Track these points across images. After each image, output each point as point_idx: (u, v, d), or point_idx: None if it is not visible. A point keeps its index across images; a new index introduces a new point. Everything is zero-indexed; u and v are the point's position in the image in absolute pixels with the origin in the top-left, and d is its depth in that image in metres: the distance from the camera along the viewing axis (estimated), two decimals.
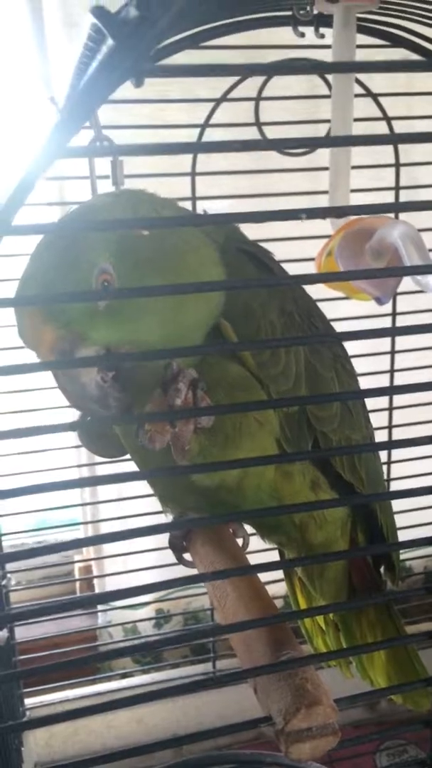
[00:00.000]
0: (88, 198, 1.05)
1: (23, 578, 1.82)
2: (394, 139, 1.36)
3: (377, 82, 1.47)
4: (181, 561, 0.94)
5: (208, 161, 1.45)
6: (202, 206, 1.42)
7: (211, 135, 1.43)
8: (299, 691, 0.62)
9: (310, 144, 1.36)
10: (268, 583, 0.80)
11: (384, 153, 1.50)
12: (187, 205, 1.41)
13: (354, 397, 0.91)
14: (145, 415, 0.73)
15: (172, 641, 1.17)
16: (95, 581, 1.85)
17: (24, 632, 1.64)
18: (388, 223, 1.18)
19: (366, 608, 1.00)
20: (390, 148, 1.50)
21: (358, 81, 1.36)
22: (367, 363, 1.27)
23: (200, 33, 1.30)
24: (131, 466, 0.95)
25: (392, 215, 1.34)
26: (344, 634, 1.05)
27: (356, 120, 1.28)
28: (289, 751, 0.60)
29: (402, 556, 1.59)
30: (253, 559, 0.92)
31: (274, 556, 1.14)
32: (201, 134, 1.41)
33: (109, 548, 1.75)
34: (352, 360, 0.99)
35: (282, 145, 0.61)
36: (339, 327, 1.15)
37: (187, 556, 0.94)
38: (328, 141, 1.22)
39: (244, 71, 0.99)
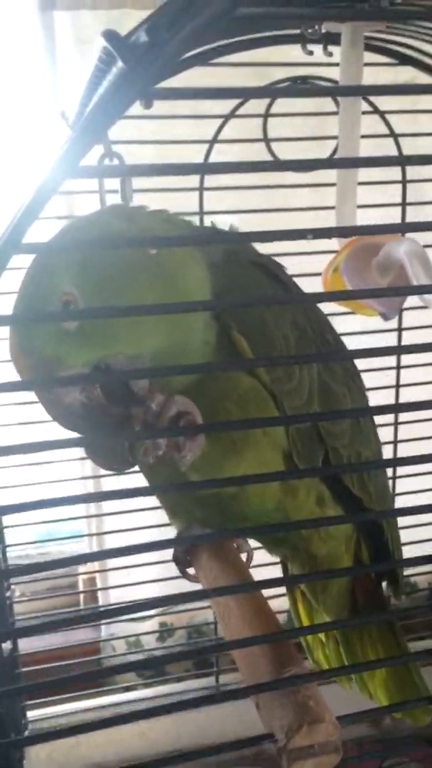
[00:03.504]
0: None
1: (27, 589, 1.82)
2: (402, 162, 1.36)
3: (384, 99, 1.47)
4: (185, 575, 0.94)
5: (215, 176, 1.45)
6: (209, 221, 1.43)
7: (219, 151, 1.44)
8: (302, 708, 0.62)
9: (316, 166, 1.36)
10: (271, 598, 0.80)
11: (390, 169, 1.50)
12: (195, 219, 1.42)
13: (362, 414, 0.91)
14: (134, 435, 0.72)
15: (175, 657, 1.17)
16: (99, 593, 1.85)
17: (27, 644, 1.64)
18: (394, 239, 1.18)
19: (368, 621, 1.00)
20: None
21: (365, 98, 1.37)
22: (373, 378, 1.27)
23: (209, 51, 1.32)
24: (136, 479, 0.95)
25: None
26: (344, 648, 1.04)
27: (363, 137, 1.29)
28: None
29: (406, 572, 1.59)
30: (257, 574, 0.92)
31: (278, 570, 1.14)
32: (209, 150, 1.42)
33: (113, 560, 1.75)
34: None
35: (288, 167, 0.62)
36: (345, 341, 1.15)
37: (191, 570, 0.94)
38: (335, 162, 1.23)
39: (251, 94, 1.00)
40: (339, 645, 1.06)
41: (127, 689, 1.82)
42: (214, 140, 1.42)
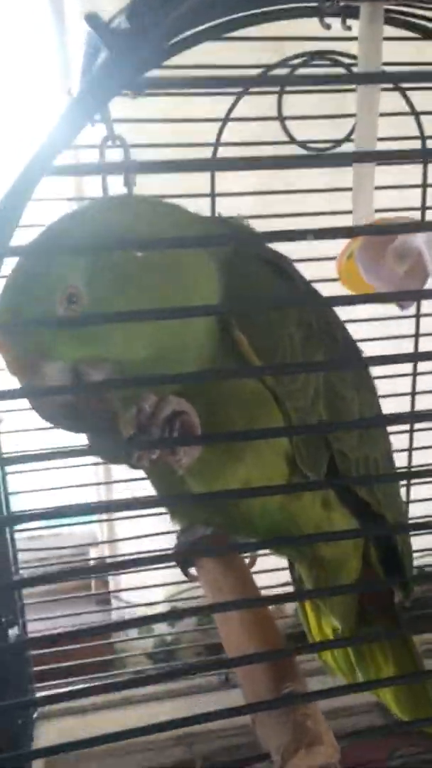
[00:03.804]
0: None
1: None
2: (425, 154, 1.30)
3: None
4: (186, 575, 0.92)
5: (228, 155, 1.40)
6: (221, 202, 1.38)
7: (233, 129, 1.39)
8: (299, 728, 0.59)
9: (333, 160, 1.32)
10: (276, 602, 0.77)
11: (411, 147, 1.44)
12: (207, 201, 1.38)
13: (375, 424, 0.86)
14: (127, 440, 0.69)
15: (181, 672, 1.15)
16: (109, 577, 1.85)
17: (37, 627, 1.64)
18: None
19: (376, 623, 0.97)
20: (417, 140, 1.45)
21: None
22: (388, 383, 1.21)
23: (222, 24, 1.26)
24: (145, 486, 0.92)
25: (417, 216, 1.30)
26: (353, 648, 1.02)
27: (382, 115, 1.24)
28: None
29: (417, 562, 1.55)
30: (262, 575, 0.90)
31: (283, 575, 1.12)
32: (221, 129, 1.37)
33: (124, 545, 1.75)
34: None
35: (303, 163, 0.58)
36: (358, 329, 1.10)
37: (192, 570, 0.92)
38: (354, 155, 1.17)
39: (245, 84, 0.94)
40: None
41: (137, 674, 1.82)
42: (226, 118, 1.37)
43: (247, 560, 0.89)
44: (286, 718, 0.60)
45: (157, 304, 0.70)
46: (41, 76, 1.56)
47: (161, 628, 1.87)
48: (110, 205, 0.79)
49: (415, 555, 1.04)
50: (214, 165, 1.03)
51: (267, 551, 0.95)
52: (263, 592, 1.10)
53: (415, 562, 1.91)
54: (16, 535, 1.61)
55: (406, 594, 0.96)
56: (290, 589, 1.14)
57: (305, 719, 0.60)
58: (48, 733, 1.67)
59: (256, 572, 0.87)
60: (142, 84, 0.43)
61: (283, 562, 1.12)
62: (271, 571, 1.07)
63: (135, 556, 1.57)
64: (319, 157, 0.49)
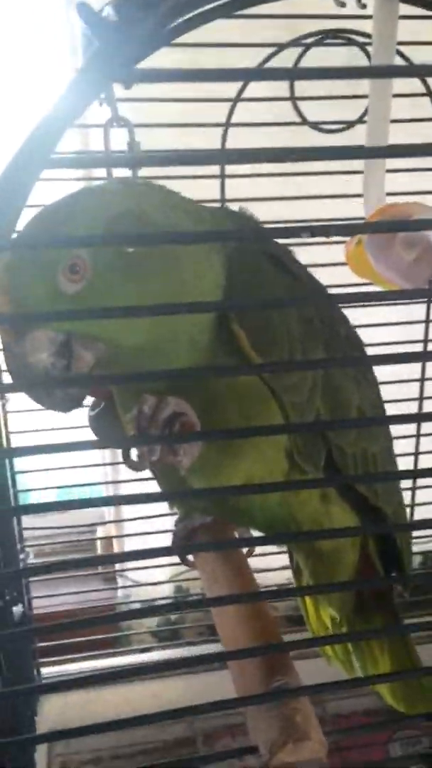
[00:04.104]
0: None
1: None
2: None
3: (420, 53, 1.37)
4: (184, 562, 0.92)
5: (238, 136, 1.38)
6: (230, 185, 1.37)
7: (244, 109, 1.37)
8: (288, 722, 0.59)
9: (345, 154, 1.29)
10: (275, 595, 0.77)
11: (425, 130, 1.41)
12: (216, 184, 1.36)
13: (376, 423, 0.85)
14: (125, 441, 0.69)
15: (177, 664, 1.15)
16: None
17: (42, 604, 1.65)
18: (423, 212, 1.12)
19: (373, 614, 0.97)
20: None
21: (399, 53, 1.28)
22: (395, 389, 1.20)
23: (234, 2, 1.24)
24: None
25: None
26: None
27: (396, 96, 1.21)
28: None
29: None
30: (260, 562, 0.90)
31: (283, 558, 1.12)
32: (232, 110, 1.34)
33: (130, 528, 1.77)
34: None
35: (316, 155, 0.56)
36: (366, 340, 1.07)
37: (190, 557, 0.92)
38: (365, 152, 1.14)
39: (244, 77, 0.91)
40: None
41: (143, 651, 1.84)
42: (237, 98, 1.34)
43: (245, 550, 0.89)
44: (274, 712, 0.60)
45: (160, 288, 0.69)
46: (50, 53, 1.54)
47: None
48: (122, 188, 0.78)
49: (423, 540, 1.03)
50: (223, 158, 1.00)
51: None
52: (262, 576, 1.10)
53: (423, 547, 1.92)
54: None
55: (406, 586, 0.96)
56: (289, 573, 1.13)
57: (294, 714, 0.60)
58: (51, 708, 1.69)
59: (256, 555, 0.87)
60: (134, 76, 0.42)
61: (283, 546, 1.12)
62: (270, 555, 1.06)
63: (136, 549, 1.59)
64: (330, 149, 0.47)
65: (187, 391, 0.70)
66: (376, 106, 1.20)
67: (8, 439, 1.47)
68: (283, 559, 1.13)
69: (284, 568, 1.19)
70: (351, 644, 1.02)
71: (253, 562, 0.97)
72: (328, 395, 0.79)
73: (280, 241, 0.79)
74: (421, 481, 1.49)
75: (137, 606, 1.90)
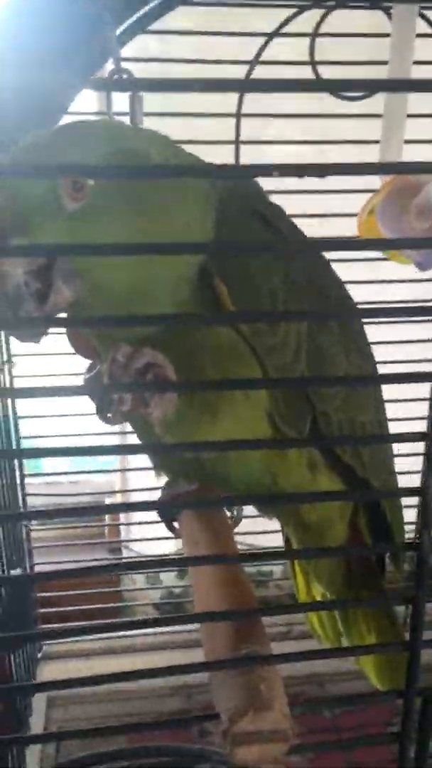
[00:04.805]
0: None
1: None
2: None
3: None
4: (170, 529, 0.91)
5: (256, 102, 1.34)
6: (245, 151, 1.33)
7: (263, 73, 1.33)
8: (252, 691, 0.57)
9: (366, 87, 1.24)
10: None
11: None
12: (230, 149, 1.33)
13: (365, 384, 0.82)
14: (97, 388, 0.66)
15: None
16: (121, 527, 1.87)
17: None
18: None
19: (361, 589, 0.95)
20: None
21: (422, 16, 1.23)
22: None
23: None
24: None
25: None
26: (340, 616, 1.00)
27: (417, 63, 1.17)
28: (234, 752, 0.57)
29: None
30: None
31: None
32: (249, 73, 1.31)
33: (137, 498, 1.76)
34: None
35: (333, 87, 0.52)
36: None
37: (176, 524, 0.90)
38: (385, 83, 1.10)
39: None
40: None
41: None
42: (255, 61, 1.30)
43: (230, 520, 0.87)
44: (239, 680, 0.58)
45: (151, 226, 0.67)
46: None
47: (169, 579, 1.89)
48: (132, 128, 0.77)
49: None
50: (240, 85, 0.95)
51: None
52: (251, 539, 1.08)
53: None
54: (32, 480, 1.63)
55: (398, 565, 0.93)
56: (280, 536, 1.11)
57: (259, 682, 0.58)
58: (50, 675, 1.70)
59: (246, 516, 0.85)
60: None
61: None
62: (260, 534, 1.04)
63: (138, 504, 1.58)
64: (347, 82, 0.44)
65: (166, 347, 0.68)
66: (396, 69, 1.16)
67: (14, 404, 1.48)
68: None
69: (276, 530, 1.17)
70: (341, 624, 1.00)
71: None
72: (314, 361, 0.76)
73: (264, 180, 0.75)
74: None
75: (142, 579, 1.90)
